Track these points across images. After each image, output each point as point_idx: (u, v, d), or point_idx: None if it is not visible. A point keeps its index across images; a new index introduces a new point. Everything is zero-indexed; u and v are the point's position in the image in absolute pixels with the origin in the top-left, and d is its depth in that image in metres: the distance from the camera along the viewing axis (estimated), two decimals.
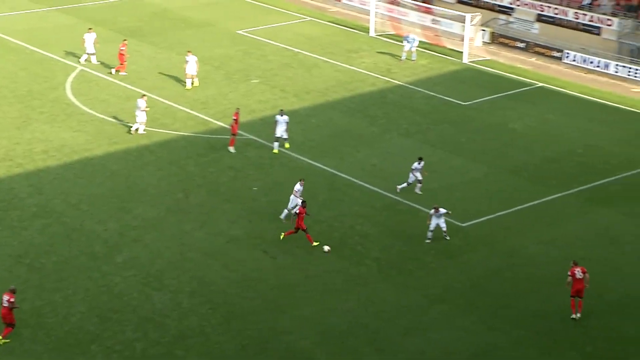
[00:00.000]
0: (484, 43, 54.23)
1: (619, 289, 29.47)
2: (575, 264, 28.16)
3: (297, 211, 31.63)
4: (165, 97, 45.21)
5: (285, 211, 33.38)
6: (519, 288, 29.69)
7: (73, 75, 48.00)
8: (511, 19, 55.88)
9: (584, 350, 26.60)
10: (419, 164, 35.57)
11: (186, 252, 31.41)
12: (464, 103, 45.59)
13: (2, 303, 26.27)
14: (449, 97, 46.30)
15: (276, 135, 38.85)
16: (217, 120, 42.60)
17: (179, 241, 32.11)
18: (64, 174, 36.86)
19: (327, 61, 51.33)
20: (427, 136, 41.40)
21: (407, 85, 47.98)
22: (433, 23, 56.59)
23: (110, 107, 43.79)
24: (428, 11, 56.89)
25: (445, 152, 39.83)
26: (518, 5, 55.46)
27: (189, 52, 46.37)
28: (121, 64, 47.64)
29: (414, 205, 34.88)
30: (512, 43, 54.00)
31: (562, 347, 26.76)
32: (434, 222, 32.13)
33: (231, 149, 39.01)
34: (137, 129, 40.08)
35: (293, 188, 33.43)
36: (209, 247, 31.73)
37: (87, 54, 49.28)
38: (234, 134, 39.22)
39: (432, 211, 32.21)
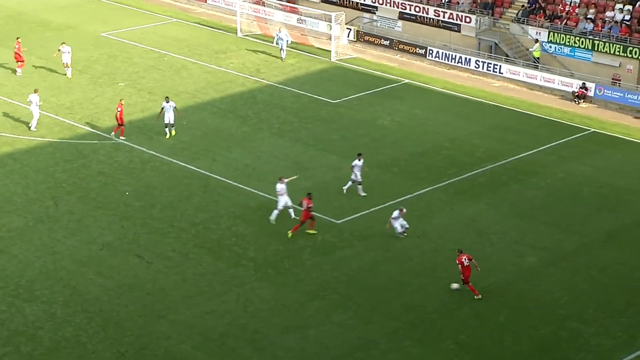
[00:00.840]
0: (350, 41, 55.12)
1: (489, 277, 30.73)
2: (461, 252, 29.37)
3: (307, 205, 32.11)
4: (28, 103, 43.92)
5: (275, 212, 33.33)
6: (394, 281, 30.52)
7: None
8: (375, 17, 57.10)
9: (458, 338, 27.63)
10: (359, 160, 35.52)
11: (58, 261, 30.76)
12: (333, 101, 46.33)
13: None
14: (318, 95, 46.95)
15: (165, 122, 39.82)
16: (84, 125, 41.83)
17: (50, 250, 31.41)
18: None
19: (195, 62, 51.14)
20: (299, 134, 41.88)
21: (276, 84, 48.35)
22: (299, 22, 57.14)
23: None
24: (293, 10, 57.43)
25: (318, 149, 40.42)
26: (381, 4, 56.73)
27: (63, 43, 46.71)
28: (20, 62, 47.28)
29: (289, 204, 35.17)
30: (377, 41, 55.16)
31: (438, 337, 27.72)
32: (396, 224, 32.29)
33: (122, 138, 39.58)
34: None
35: (275, 188, 33.46)
36: (81, 255, 31.19)
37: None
38: (121, 124, 39.57)
39: (397, 213, 32.36)
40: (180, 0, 64.02)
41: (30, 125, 40.36)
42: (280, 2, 57.68)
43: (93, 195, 35.43)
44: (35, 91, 40.78)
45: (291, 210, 33.78)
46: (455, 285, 29.77)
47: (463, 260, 29.31)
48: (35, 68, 48.79)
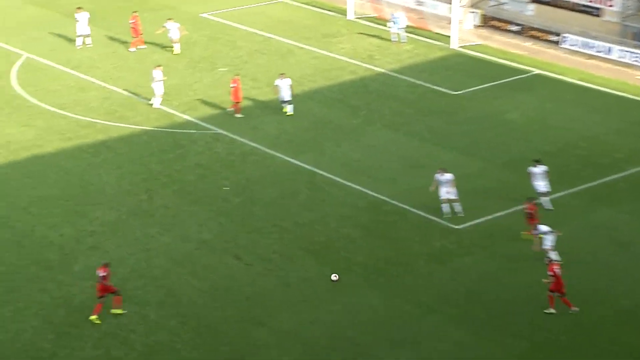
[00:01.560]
0: (474, 26, 54.39)
1: (630, 297, 29.65)
2: (551, 263, 28.71)
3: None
4: (123, 87, 44.97)
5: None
6: (520, 295, 29.83)
7: (19, 63, 47.61)
8: (504, 0, 56.10)
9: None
10: (537, 167, 34.19)
11: (152, 258, 31.27)
12: (453, 92, 45.74)
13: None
14: (437, 85, 46.43)
15: (281, 100, 41.40)
16: (182, 113, 42.44)
17: (143, 247, 31.96)
18: (11, 174, 36.57)
19: (302, 47, 51.29)
20: (414, 128, 41.50)
21: (390, 72, 48.05)
22: (417, 4, 56.63)
23: (61, 98, 43.49)
24: None
25: (435, 145, 39.95)
26: None
27: (168, 19, 48.16)
28: (136, 37, 49.08)
29: (401, 205, 34.94)
30: (504, 26, 54.18)
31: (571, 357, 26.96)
32: (442, 190, 32.88)
33: (238, 115, 41.36)
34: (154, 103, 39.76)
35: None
36: (176, 253, 31.62)
37: (82, 35, 49.24)
38: (237, 102, 41.05)
39: (438, 174, 33.20)
40: None
41: (152, 101, 41.23)
42: None
43: (190, 189, 35.89)
44: (158, 67, 42.23)
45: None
46: (334, 277, 30.06)
47: (555, 269, 28.68)
48: (135, 49, 49.80)
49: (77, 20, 49.51)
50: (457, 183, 36.28)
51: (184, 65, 48.16)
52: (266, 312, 28.85)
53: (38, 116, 41.39)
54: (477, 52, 51.39)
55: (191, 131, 40.50)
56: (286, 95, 41.76)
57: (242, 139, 39.91)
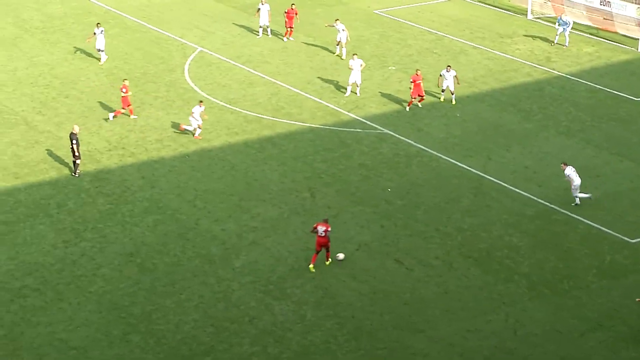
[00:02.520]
0: None
1: None
2: None
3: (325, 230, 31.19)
4: (291, 83, 46.12)
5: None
6: None
7: (192, 57, 49.56)
8: None
9: None
10: None
11: (311, 258, 32.00)
12: (636, 98, 44.61)
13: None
14: (619, 90, 45.37)
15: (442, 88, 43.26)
16: (349, 111, 43.16)
17: (303, 246, 32.76)
18: (179, 167, 38.17)
19: (476, 47, 51.15)
20: (591, 135, 40.75)
21: (568, 76, 47.28)
22: (602, 4, 55.42)
23: (231, 93, 45.02)
24: None
25: (612, 154, 39.14)
26: None
27: (336, 20, 48.79)
28: (289, 28, 50.93)
29: (572, 215, 34.43)
30: None
31: None
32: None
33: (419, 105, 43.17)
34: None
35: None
36: (336, 254, 32.20)
37: (263, 26, 51.74)
38: (420, 96, 42.71)
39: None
40: None
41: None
42: None
43: (352, 190, 36.51)
44: (354, 55, 44.07)
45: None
46: (340, 256, 31.21)
47: None
48: (305, 45, 50.98)
49: (259, 10, 51.25)
50: (635, 194, 35.52)
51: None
52: (425, 319, 29.08)
53: (207, 110, 42.95)
54: None
55: (357, 130, 41.16)
56: (450, 85, 43.07)
57: (408, 140, 40.26)
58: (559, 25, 50.52)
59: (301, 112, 43.04)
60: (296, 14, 51.35)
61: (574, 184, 34.94)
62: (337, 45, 49.16)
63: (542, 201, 35.46)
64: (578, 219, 34.20)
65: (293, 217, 34.61)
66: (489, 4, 58.43)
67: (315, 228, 31.21)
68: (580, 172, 37.42)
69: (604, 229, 33.49)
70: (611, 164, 38.37)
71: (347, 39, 48.88)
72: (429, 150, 39.35)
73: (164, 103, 43.82)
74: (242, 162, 38.50)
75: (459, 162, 38.30)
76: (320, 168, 38.09)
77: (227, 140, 40.37)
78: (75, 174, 37.11)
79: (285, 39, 51.36)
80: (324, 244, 31.22)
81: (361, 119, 42.26)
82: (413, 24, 54.23)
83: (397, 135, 40.69)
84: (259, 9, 51.74)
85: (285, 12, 51.37)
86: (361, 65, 44.16)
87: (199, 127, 40.27)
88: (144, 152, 39.23)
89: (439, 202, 35.51)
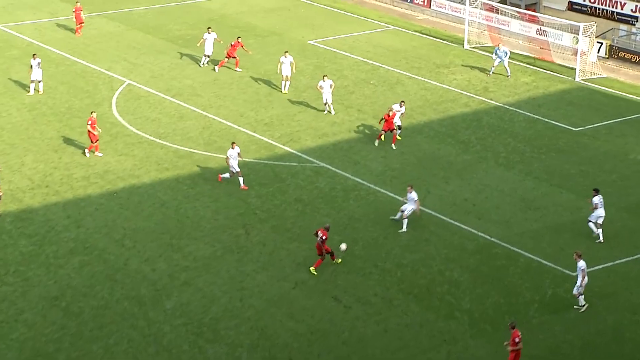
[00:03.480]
0: (600, 58, 53.85)
1: None
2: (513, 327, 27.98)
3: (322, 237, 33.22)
4: (223, 116, 46.01)
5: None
6: None
7: (120, 90, 49.21)
8: (634, 30, 55.38)
9: None
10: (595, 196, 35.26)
11: (246, 298, 31.80)
12: (574, 129, 45.31)
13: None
14: (557, 121, 46.07)
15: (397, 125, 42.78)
16: (284, 144, 43.14)
17: (238, 285, 32.52)
18: (107, 205, 37.72)
19: (412, 77, 51.60)
20: (530, 167, 41.23)
21: (506, 106, 47.89)
22: (539, 34, 56.44)
23: (161, 127, 44.75)
24: (533, 19, 56.82)
25: (552, 185, 39.62)
26: None
27: (286, 52, 48.87)
28: (229, 58, 51.40)
29: (512, 248, 34.73)
30: (635, 58, 53.53)
31: None
32: (407, 206, 35.55)
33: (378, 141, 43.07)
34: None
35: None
36: (272, 293, 32.07)
37: (206, 55, 51.81)
38: (389, 130, 42.56)
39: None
40: (399, 4, 65.00)
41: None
42: (518, 10, 57.24)
43: (288, 225, 36.40)
44: (325, 77, 45.79)
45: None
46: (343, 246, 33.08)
47: None
48: (238, 77, 50.95)
49: (205, 39, 51.47)
50: (576, 227, 35.96)
51: (288, 94, 48.94)
52: (364, 359, 28.95)
53: (136, 145, 42.64)
54: (603, 86, 50.94)
55: (292, 164, 41.13)
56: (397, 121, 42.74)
57: (345, 174, 40.34)
58: (495, 55, 51.22)
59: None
60: (242, 46, 51.39)
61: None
62: (284, 80, 48.75)
63: (483, 234, 35.71)
64: (519, 252, 34.51)
65: (227, 255, 34.35)
66: (425, 34, 59.11)
67: (317, 233, 33.26)
68: (520, 205, 37.92)
69: (545, 262, 33.83)
70: (551, 195, 38.83)
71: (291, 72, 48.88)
72: (367, 183, 39.46)
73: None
74: (173, 199, 38.19)
75: (398, 196, 38.44)
76: (254, 204, 37.94)
77: (157, 176, 40.04)
78: None
79: (238, 69, 51.58)
80: (318, 249, 33.26)
81: (297, 153, 42.28)
82: (348, 54, 54.57)
83: (333, 169, 40.75)
84: (205, 38, 51.63)
85: (232, 44, 51.40)
86: (331, 85, 45.59)
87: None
88: (69, 190, 38.72)
89: (378, 237, 35.55)
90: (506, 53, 50.98)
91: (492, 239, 35.37)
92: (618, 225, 36.49)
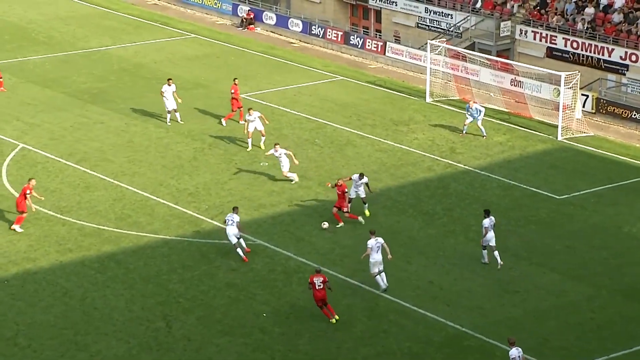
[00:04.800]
0: (586, 113, 54.61)
1: None
2: None
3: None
4: (139, 186, 45.99)
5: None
6: None
7: (11, 156, 49.02)
8: (624, 80, 56.45)
9: None
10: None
11: None
12: (557, 196, 45.89)
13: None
14: (537, 187, 46.67)
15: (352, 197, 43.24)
16: (212, 218, 43.21)
17: None
18: None
19: (365, 137, 52.07)
20: (506, 242, 41.51)
21: (477, 170, 48.43)
22: (513, 85, 57.19)
23: (62, 200, 44.61)
24: (506, 68, 57.69)
25: (531, 264, 40.02)
26: (634, 62, 56.09)
27: (250, 109, 49.88)
28: (233, 111, 52.89)
29: (489, 340, 34.95)
30: (626, 113, 54.46)
31: None
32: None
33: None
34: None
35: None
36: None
37: (169, 110, 52.31)
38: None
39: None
40: (348, 50, 65.82)
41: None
42: (489, 57, 58.12)
43: (218, 316, 36.34)
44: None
45: None
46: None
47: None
48: (156, 138, 51.02)
49: (163, 92, 52.11)
50: (559, 313, 36.32)
51: (216, 158, 49.21)
52: None
53: (32, 222, 42.39)
54: (589, 145, 51.66)
55: (222, 242, 41.16)
56: (361, 193, 43.50)
57: (286, 253, 40.42)
58: (468, 114, 51.79)
59: (152, 221, 42.89)
60: (235, 92, 52.80)
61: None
62: (249, 138, 49.55)
63: (452, 323, 35.89)
64: (495, 345, 34.70)
65: (143, 354, 34.17)
66: (380, 86, 59.80)
67: (311, 282, 35.13)
68: (495, 287, 38.24)
69: (526, 356, 34.03)
70: (532, 276, 39.16)
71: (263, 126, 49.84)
72: (311, 263, 39.53)
73: None
74: (78, 287, 37.97)
75: (350, 278, 38.55)
76: (177, 290, 37.84)
77: (58, 258, 39.81)
78: None
79: (224, 122, 52.74)
80: (322, 298, 35.13)
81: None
82: (288, 110, 55.03)
83: (272, 247, 40.85)
84: (163, 91, 52.00)
85: (233, 92, 52.45)
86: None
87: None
88: None
89: (326, 329, 35.59)
90: (479, 111, 51.57)
91: (464, 329, 35.54)
92: (611, 311, 36.91)
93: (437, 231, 42.62)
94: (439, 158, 49.63)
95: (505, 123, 54.20)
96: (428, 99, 57.10)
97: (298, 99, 56.98)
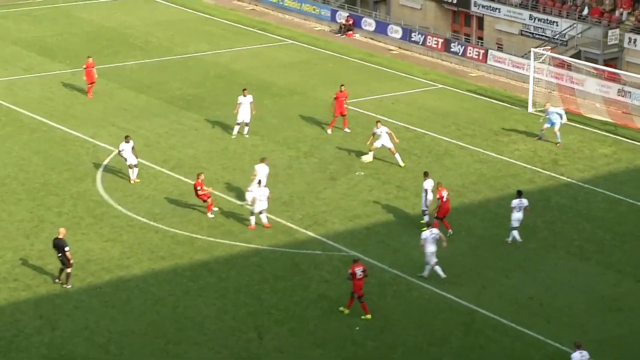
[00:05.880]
0: None
1: None
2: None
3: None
4: (231, 194, 46.35)
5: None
6: None
7: (107, 161, 49.74)
8: None
9: None
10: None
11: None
12: None
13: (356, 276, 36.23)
14: None
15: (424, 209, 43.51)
16: (305, 228, 43.35)
17: None
18: (89, 302, 37.89)
19: (464, 147, 51.94)
20: (611, 258, 41.18)
21: (581, 183, 48.01)
22: (620, 95, 56.63)
23: (156, 207, 45.12)
24: (613, 77, 57.11)
25: (638, 282, 39.51)
26: None
27: (378, 122, 49.53)
28: (335, 117, 53.15)
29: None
30: None
31: None
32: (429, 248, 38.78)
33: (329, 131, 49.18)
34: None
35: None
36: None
37: (240, 123, 52.61)
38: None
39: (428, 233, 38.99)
40: (448, 58, 65.68)
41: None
42: (595, 66, 57.53)
43: (311, 328, 36.43)
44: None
45: None
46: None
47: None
48: (251, 145, 51.38)
49: (240, 103, 52.25)
50: None
51: (312, 167, 49.40)
52: None
53: (125, 229, 42.96)
54: None
55: (316, 252, 41.26)
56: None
57: (380, 265, 40.37)
58: (548, 118, 51.42)
59: (245, 230, 43.14)
60: (346, 96, 52.88)
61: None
62: (371, 151, 49.49)
63: (552, 342, 35.56)
64: None
65: None
66: (480, 94, 59.54)
67: (352, 272, 36.26)
68: (598, 304, 37.78)
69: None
70: (637, 294, 38.66)
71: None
72: (407, 277, 39.48)
73: (70, 221, 43.74)
74: (170, 295, 38.34)
75: (446, 292, 38.43)
76: (269, 301, 38.01)
77: (151, 266, 40.27)
78: (67, 284, 38.37)
79: (329, 130, 53.19)
80: (362, 287, 36.48)
81: (321, 238, 42.48)
82: (386, 119, 54.90)
83: (366, 258, 40.74)
84: (240, 103, 52.31)
85: (335, 98, 52.62)
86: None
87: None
88: (42, 284, 38.98)
89: (421, 344, 35.50)
90: (559, 116, 51.27)
91: (564, 348, 35.15)
92: None
93: (539, 245, 42.28)
94: (540, 170, 49.27)
95: (611, 135, 53.63)
96: (530, 109, 56.70)
97: (395, 108, 56.97)
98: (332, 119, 52.95)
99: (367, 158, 48.97)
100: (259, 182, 43.34)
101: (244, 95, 52.40)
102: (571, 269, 40.38)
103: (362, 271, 36.43)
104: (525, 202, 41.80)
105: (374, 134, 49.32)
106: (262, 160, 45.46)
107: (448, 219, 42.57)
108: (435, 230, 38.61)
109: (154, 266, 40.30)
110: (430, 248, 38.68)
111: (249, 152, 50.90)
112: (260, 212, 42.80)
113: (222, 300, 38.09)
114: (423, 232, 38.93)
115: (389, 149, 49.12)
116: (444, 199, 42.34)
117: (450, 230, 42.30)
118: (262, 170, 44.69)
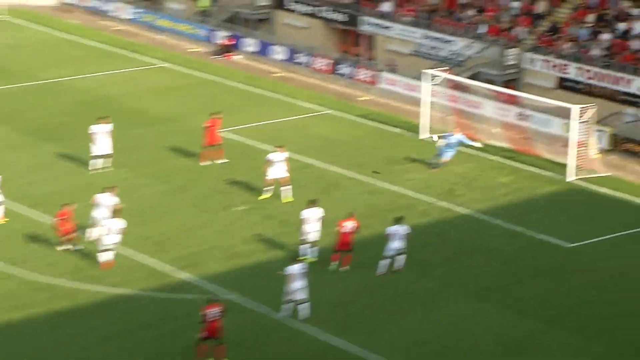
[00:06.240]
0: (601, 150, 54.53)
1: None
2: None
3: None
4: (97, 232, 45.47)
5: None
6: None
7: None
8: None
9: None
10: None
11: None
12: (568, 244, 45.64)
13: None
14: (546, 233, 46.40)
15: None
16: (180, 269, 42.67)
17: None
18: None
19: (354, 177, 51.83)
20: (511, 296, 41.26)
21: (478, 215, 48.21)
22: (520, 118, 57.15)
23: (10, 250, 44.13)
24: (512, 100, 57.63)
25: (541, 322, 39.55)
26: None
27: (278, 147, 49.27)
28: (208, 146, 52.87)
29: None
30: None
31: None
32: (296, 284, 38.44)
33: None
34: None
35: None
36: None
37: (97, 156, 51.55)
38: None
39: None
40: (336, 81, 65.71)
41: None
42: (493, 88, 57.96)
43: None
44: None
45: None
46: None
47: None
48: (117, 181, 50.57)
49: (94, 134, 51.33)
50: None
51: (186, 202, 48.92)
52: None
53: None
54: (605, 187, 51.63)
55: (190, 296, 40.57)
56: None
57: (263, 309, 39.85)
58: (444, 143, 52.07)
59: (111, 274, 42.39)
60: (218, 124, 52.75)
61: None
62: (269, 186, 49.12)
63: None
64: None
65: None
66: (372, 119, 59.62)
67: (203, 314, 35.87)
68: (500, 348, 37.70)
69: None
70: (540, 336, 38.60)
71: None
72: (292, 322, 39.01)
73: None
74: (26, 349, 37.32)
75: (335, 337, 38.05)
76: (137, 354, 37.24)
77: (5, 317, 39.29)
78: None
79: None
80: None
81: (197, 281, 41.95)
82: (269, 148, 54.32)
83: (248, 303, 40.28)
84: (94, 132, 51.32)
85: (207, 127, 52.32)
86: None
87: None
88: None
89: None
90: (459, 141, 52.32)
91: None
92: None
93: (434, 284, 42.28)
94: (435, 201, 49.43)
95: (510, 162, 53.93)
96: (424, 135, 56.76)
97: (280, 135, 56.57)
98: (203, 150, 52.32)
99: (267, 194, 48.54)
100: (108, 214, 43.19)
101: (101, 124, 51.40)
102: (469, 310, 40.34)
103: (219, 312, 35.87)
104: (403, 229, 42.10)
105: (268, 161, 48.86)
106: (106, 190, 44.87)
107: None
108: (304, 265, 38.68)
109: (9, 316, 39.20)
110: (297, 284, 38.35)
111: (120, 187, 49.90)
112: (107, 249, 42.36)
113: (86, 353, 37.18)
114: (290, 266, 38.64)
115: (279, 180, 48.67)
116: (345, 231, 42.37)
117: (344, 267, 42.10)
118: (106, 201, 44.22)
